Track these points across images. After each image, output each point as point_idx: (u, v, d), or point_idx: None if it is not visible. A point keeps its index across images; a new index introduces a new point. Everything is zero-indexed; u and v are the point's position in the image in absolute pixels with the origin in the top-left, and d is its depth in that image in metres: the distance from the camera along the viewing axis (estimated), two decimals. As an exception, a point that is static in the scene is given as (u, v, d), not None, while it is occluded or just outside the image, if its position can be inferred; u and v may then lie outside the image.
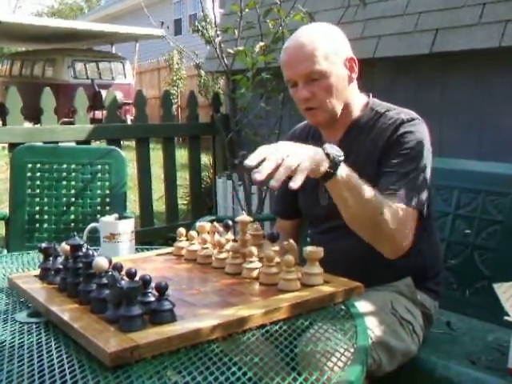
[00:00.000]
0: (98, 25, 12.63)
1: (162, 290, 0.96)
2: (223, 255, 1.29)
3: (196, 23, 3.46)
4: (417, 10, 3.07)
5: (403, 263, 1.39)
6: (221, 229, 1.38)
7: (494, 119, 2.84)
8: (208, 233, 1.38)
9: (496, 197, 1.80)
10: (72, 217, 2.36)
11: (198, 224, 1.42)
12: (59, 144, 3.15)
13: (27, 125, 3.84)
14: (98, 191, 2.36)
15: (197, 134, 4.02)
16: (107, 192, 2.36)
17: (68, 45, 12.66)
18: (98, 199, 2.36)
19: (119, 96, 7.86)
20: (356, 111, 1.50)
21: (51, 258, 1.24)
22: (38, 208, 2.32)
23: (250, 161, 1.09)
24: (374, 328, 1.31)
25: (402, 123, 1.41)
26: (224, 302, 1.07)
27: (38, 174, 2.33)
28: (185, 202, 4.95)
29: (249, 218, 1.32)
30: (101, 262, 1.04)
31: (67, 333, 0.97)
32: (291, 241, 1.21)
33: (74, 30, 11.25)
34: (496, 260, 1.76)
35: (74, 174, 2.37)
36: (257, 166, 1.08)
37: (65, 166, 2.37)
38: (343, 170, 1.20)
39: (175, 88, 10.88)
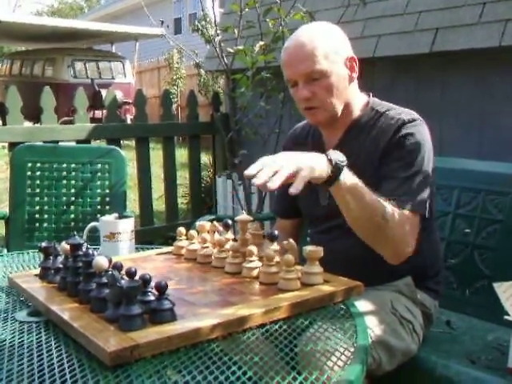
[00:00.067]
0: (98, 24, 12.62)
1: (161, 289, 0.96)
2: (223, 254, 1.29)
3: (196, 22, 3.46)
4: (417, 9, 3.07)
5: (403, 262, 1.39)
6: (221, 228, 1.38)
7: (494, 118, 2.84)
8: (208, 232, 1.38)
9: (496, 196, 1.80)
10: (72, 216, 2.37)
11: (197, 223, 1.42)
12: (59, 143, 3.15)
13: (27, 124, 3.85)
14: (98, 190, 2.36)
15: (197, 134, 4.02)
16: (107, 191, 2.36)
17: (68, 44, 12.66)
18: (98, 198, 2.36)
19: (119, 95, 7.85)
20: (356, 111, 1.50)
21: (51, 257, 1.24)
22: (37, 207, 2.32)
23: (249, 171, 1.11)
24: (373, 327, 1.31)
25: (404, 124, 1.40)
26: (224, 301, 1.07)
27: (38, 174, 2.33)
28: (185, 202, 4.95)
29: (249, 218, 1.32)
30: (101, 261, 1.04)
31: (67, 332, 0.97)
32: (291, 240, 1.21)
33: (74, 29, 11.24)
34: (496, 259, 1.76)
35: (73, 173, 2.37)
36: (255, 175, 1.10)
37: (65, 165, 2.37)
38: (346, 176, 1.21)
39: (175, 87, 10.87)
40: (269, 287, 1.14)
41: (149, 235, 3.67)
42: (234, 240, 1.31)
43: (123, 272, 0.98)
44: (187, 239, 1.42)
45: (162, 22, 3.69)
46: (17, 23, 10.41)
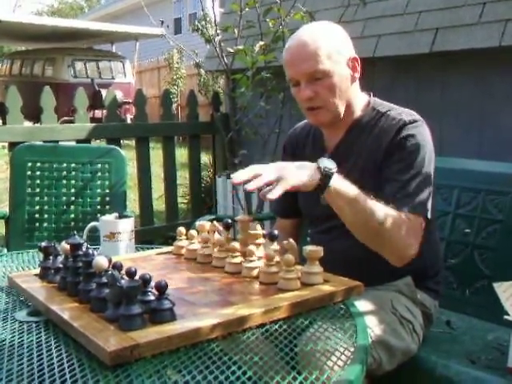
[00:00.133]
0: (98, 24, 12.62)
1: (161, 288, 0.96)
2: (223, 254, 1.29)
3: (196, 22, 3.46)
4: (417, 9, 3.07)
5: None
6: (221, 228, 1.38)
7: (494, 118, 2.84)
8: (208, 232, 1.38)
9: (496, 196, 1.80)
10: (72, 216, 2.37)
11: (197, 223, 1.42)
12: (59, 143, 3.15)
13: (27, 124, 3.84)
14: (98, 190, 2.36)
15: (197, 133, 4.02)
16: (107, 191, 2.36)
17: (68, 44, 12.66)
18: (98, 198, 2.36)
19: (119, 95, 7.86)
20: (357, 111, 1.50)
21: (51, 257, 1.24)
22: (37, 207, 2.32)
23: (236, 177, 1.17)
24: (373, 327, 1.31)
25: (405, 125, 1.40)
26: (224, 301, 1.07)
27: (38, 173, 2.33)
28: (185, 201, 4.95)
29: (249, 218, 1.32)
30: (101, 261, 1.04)
31: (67, 332, 0.97)
32: (291, 240, 1.21)
33: (74, 29, 11.25)
34: (496, 259, 1.76)
35: (73, 173, 2.37)
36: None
37: (65, 165, 2.37)
38: (337, 182, 1.24)
39: (175, 87, 10.87)
40: (269, 287, 1.14)
41: (149, 235, 3.67)
42: (234, 240, 1.31)
43: (123, 272, 0.98)
44: (187, 239, 1.42)
45: (162, 22, 3.69)
46: (17, 23, 10.41)
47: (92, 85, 10.92)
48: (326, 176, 1.23)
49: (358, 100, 1.50)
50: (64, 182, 2.36)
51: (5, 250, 2.20)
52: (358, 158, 1.46)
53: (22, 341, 0.96)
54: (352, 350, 0.93)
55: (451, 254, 1.86)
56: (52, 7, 32.37)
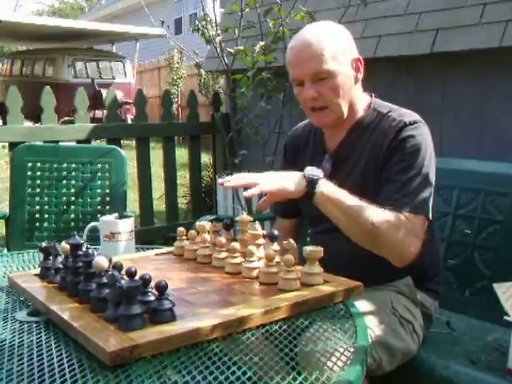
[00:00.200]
0: (99, 24, 12.63)
1: (161, 289, 0.96)
2: (223, 254, 1.29)
3: (196, 22, 3.46)
4: (417, 9, 3.07)
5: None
6: (221, 228, 1.38)
7: (495, 119, 2.84)
8: (208, 232, 1.38)
9: (496, 196, 1.80)
10: (72, 216, 2.37)
11: (198, 223, 1.42)
12: (59, 143, 3.15)
13: (27, 124, 3.84)
14: (98, 190, 2.36)
15: (197, 134, 4.02)
16: (107, 191, 2.36)
17: (68, 44, 12.67)
18: (98, 198, 2.36)
19: (119, 95, 7.85)
20: (359, 111, 1.50)
21: (51, 257, 1.24)
22: (38, 207, 2.32)
23: (222, 180, 1.27)
24: (373, 327, 1.31)
25: (405, 126, 1.41)
26: (224, 301, 1.07)
27: (38, 173, 2.33)
28: (185, 202, 4.96)
29: (249, 218, 1.32)
30: (101, 261, 1.04)
31: (67, 332, 0.97)
32: (291, 240, 1.21)
33: (75, 29, 11.25)
34: (496, 260, 1.76)
35: (74, 173, 2.37)
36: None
37: (65, 165, 2.37)
38: (323, 188, 1.29)
39: (175, 87, 10.88)
40: (269, 287, 1.14)
41: (149, 235, 3.67)
42: (234, 240, 1.31)
43: (123, 272, 0.98)
44: (187, 239, 1.42)
45: (163, 22, 3.68)
46: (17, 23, 10.41)
47: (92, 85, 10.93)
48: (311, 182, 1.28)
49: (360, 101, 1.50)
50: (64, 182, 2.36)
51: (5, 250, 2.20)
52: (359, 159, 1.46)
53: (22, 341, 0.96)
54: (352, 350, 0.93)
55: (451, 255, 1.86)
56: (52, 7, 32.37)
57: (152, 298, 0.97)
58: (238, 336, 0.96)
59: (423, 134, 1.41)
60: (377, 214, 1.29)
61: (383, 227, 1.29)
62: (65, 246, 1.18)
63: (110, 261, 1.05)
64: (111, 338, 0.89)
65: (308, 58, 1.40)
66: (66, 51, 11.85)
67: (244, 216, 1.33)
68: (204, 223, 1.40)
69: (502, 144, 2.77)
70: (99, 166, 2.37)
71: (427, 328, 1.54)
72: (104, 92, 8.76)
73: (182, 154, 5.91)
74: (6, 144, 3.33)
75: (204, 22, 3.42)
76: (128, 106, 10.56)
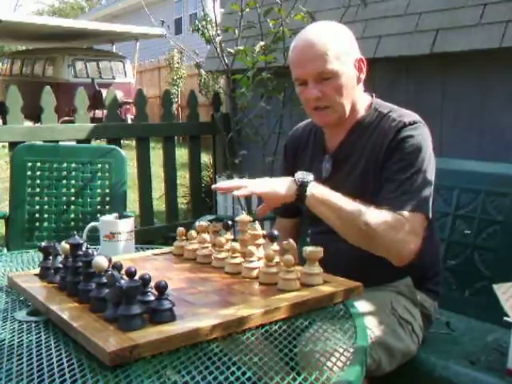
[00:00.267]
0: (99, 24, 12.63)
1: (161, 289, 0.96)
2: (223, 255, 1.29)
3: (196, 22, 3.46)
4: (417, 10, 3.07)
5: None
6: (221, 228, 1.38)
7: (495, 120, 2.84)
8: (208, 232, 1.38)
9: (496, 197, 1.80)
10: (72, 216, 2.37)
11: (197, 223, 1.42)
12: (59, 143, 3.15)
13: (27, 124, 3.84)
14: (98, 190, 2.36)
15: (197, 134, 4.02)
16: (107, 191, 2.36)
17: (69, 44, 12.67)
18: (98, 198, 2.36)
19: (119, 95, 7.85)
20: (360, 111, 1.50)
21: (51, 257, 1.24)
22: (38, 207, 2.32)
23: (216, 186, 1.32)
24: (373, 328, 1.31)
25: (404, 126, 1.41)
26: (224, 301, 1.07)
27: (38, 173, 2.33)
28: (185, 202, 4.95)
29: (249, 218, 1.33)
30: (100, 261, 1.04)
31: (67, 332, 0.97)
32: (291, 240, 1.21)
33: (75, 28, 11.25)
34: (496, 260, 1.76)
35: (74, 172, 2.37)
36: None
37: (65, 164, 2.37)
38: (314, 190, 1.30)
39: (175, 87, 10.88)
40: (268, 288, 1.14)
41: (149, 235, 3.67)
42: (234, 240, 1.31)
43: (123, 272, 0.98)
44: (187, 239, 1.42)
45: (163, 22, 3.68)
46: (17, 22, 10.41)
47: (92, 85, 10.93)
48: (301, 186, 1.29)
49: (361, 101, 1.50)
50: (64, 182, 2.36)
51: (5, 250, 2.20)
52: (359, 159, 1.46)
53: (22, 340, 0.96)
54: (351, 350, 0.93)
55: (451, 255, 1.86)
56: (53, 7, 32.37)
57: (152, 298, 0.97)
58: (238, 336, 0.96)
59: (423, 135, 1.41)
60: (373, 215, 1.29)
61: (379, 228, 1.29)
62: (65, 245, 1.18)
63: (110, 261, 1.05)
64: (111, 337, 0.89)
65: (312, 57, 1.40)
66: (66, 51, 11.85)
67: (244, 216, 1.33)
68: (204, 223, 1.40)
69: (502, 144, 2.77)
70: (99, 165, 2.37)
71: (427, 328, 1.54)
72: (104, 92, 8.76)
73: (182, 154, 5.91)
74: (6, 144, 3.33)
75: (204, 22, 3.42)
76: (128, 106, 10.56)
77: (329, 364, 0.91)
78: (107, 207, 2.34)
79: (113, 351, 0.84)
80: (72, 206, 2.36)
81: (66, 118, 8.21)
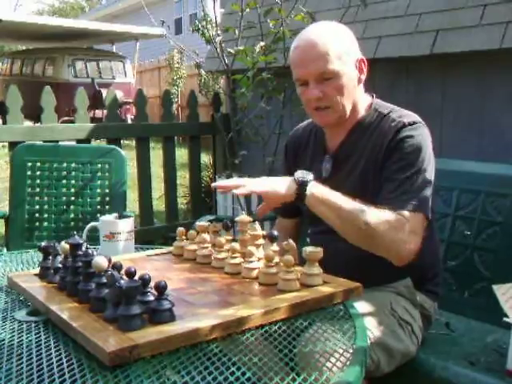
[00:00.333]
0: (99, 24, 12.62)
1: (161, 289, 0.96)
2: (223, 255, 1.29)
3: (196, 22, 3.46)
4: (418, 10, 3.07)
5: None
6: (221, 228, 1.38)
7: (495, 120, 2.84)
8: (208, 232, 1.38)
9: (496, 198, 1.80)
10: (72, 216, 2.37)
11: (197, 223, 1.42)
12: (59, 143, 3.15)
13: (27, 123, 3.84)
14: (98, 190, 2.36)
15: (197, 134, 4.02)
16: (107, 191, 2.36)
17: (69, 44, 12.66)
18: (98, 198, 2.36)
19: (119, 95, 7.85)
20: (361, 112, 1.50)
21: (51, 257, 1.24)
22: (37, 207, 2.32)
23: (216, 184, 1.35)
24: (372, 328, 1.31)
25: (404, 126, 1.41)
26: (223, 301, 1.07)
27: (38, 173, 2.33)
28: (185, 202, 4.95)
29: (248, 218, 1.33)
30: (100, 261, 1.04)
31: (66, 332, 0.97)
32: (290, 241, 1.21)
33: (75, 28, 11.25)
34: (495, 261, 1.76)
35: (73, 172, 2.37)
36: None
37: (65, 164, 2.37)
38: (314, 190, 1.30)
39: (175, 87, 10.88)
40: (268, 288, 1.14)
41: (149, 235, 3.67)
42: (234, 240, 1.31)
43: (123, 272, 0.98)
44: (187, 239, 1.42)
45: (163, 22, 3.68)
46: (18, 22, 10.41)
47: (92, 85, 10.93)
48: (301, 185, 1.29)
49: (361, 101, 1.50)
50: (64, 181, 2.36)
51: (4, 250, 2.19)
52: (359, 159, 1.46)
53: (22, 340, 0.96)
54: (351, 351, 0.93)
55: (451, 256, 1.86)
56: (53, 7, 32.36)
57: (151, 298, 0.97)
58: (238, 336, 0.96)
59: (422, 135, 1.41)
60: (373, 215, 1.29)
61: (379, 228, 1.29)
62: (64, 245, 1.18)
63: (110, 261, 1.05)
64: (110, 338, 0.89)
65: (313, 58, 1.40)
66: (66, 51, 11.84)
67: (244, 216, 1.33)
68: (203, 223, 1.40)
69: (501, 145, 2.77)
70: (99, 165, 2.37)
71: (426, 329, 1.54)
72: (104, 92, 8.76)
73: (181, 154, 5.91)
74: (6, 144, 3.33)
75: (204, 22, 3.42)
76: (128, 106, 10.56)
77: (328, 364, 0.91)
78: (107, 207, 2.34)
79: (112, 351, 0.84)
80: (72, 206, 2.36)
81: (66, 118, 8.21)
